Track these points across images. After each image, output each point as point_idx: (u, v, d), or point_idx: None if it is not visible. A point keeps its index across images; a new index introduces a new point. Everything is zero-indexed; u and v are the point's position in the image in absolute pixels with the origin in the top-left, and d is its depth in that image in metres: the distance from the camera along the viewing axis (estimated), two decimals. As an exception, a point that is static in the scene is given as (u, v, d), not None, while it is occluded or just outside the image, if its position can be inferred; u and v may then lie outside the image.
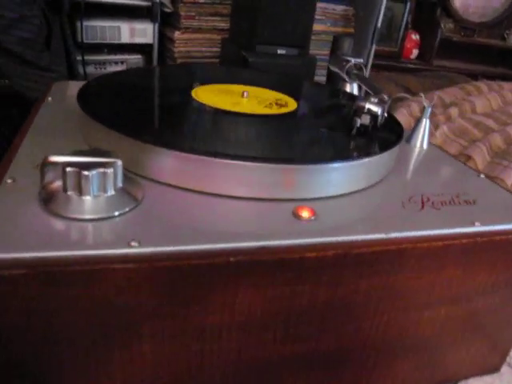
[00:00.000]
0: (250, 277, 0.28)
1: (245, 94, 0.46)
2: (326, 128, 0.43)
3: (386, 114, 0.41)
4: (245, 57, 1.02)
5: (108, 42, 1.15)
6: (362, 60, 0.60)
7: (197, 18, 1.18)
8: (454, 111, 1.24)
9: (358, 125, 0.40)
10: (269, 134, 0.41)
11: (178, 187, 0.34)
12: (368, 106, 0.40)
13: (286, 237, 0.29)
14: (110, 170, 0.29)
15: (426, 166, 0.46)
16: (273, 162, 0.32)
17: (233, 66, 1.06)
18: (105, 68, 1.20)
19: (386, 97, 0.43)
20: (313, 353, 0.34)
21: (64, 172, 0.29)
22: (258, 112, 0.43)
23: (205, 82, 0.51)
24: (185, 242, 0.27)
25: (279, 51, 1.04)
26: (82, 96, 0.41)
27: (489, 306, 0.39)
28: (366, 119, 0.40)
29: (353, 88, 0.60)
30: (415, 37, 1.58)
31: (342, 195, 0.36)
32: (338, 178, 0.35)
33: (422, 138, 0.50)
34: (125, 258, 0.26)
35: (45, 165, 0.30)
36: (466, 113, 1.26)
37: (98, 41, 1.14)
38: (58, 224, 0.28)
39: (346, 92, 0.59)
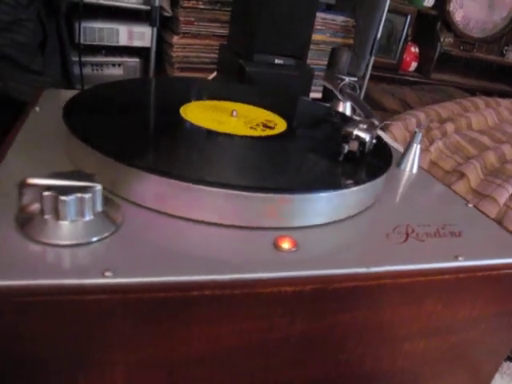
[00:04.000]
0: (224, 309, 0.28)
1: (234, 112, 0.45)
2: (313, 153, 0.42)
3: (374, 141, 0.41)
4: (242, 65, 1.01)
5: (106, 43, 1.15)
6: (356, 79, 0.60)
7: (196, 23, 1.17)
8: (449, 127, 1.25)
9: (346, 151, 0.40)
10: (254, 159, 0.41)
11: (158, 211, 0.33)
12: (356, 132, 0.39)
13: (263, 269, 0.29)
14: (88, 196, 0.29)
15: (414, 193, 0.46)
16: (254, 190, 0.32)
17: (230, 77, 1.05)
18: (102, 70, 1.19)
19: (376, 122, 0.43)
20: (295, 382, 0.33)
21: (41, 196, 0.29)
22: (243, 133, 0.43)
23: (198, 97, 0.50)
24: (160, 273, 0.27)
25: (277, 61, 1.04)
26: (67, 111, 0.41)
27: (470, 339, 0.39)
28: (354, 145, 0.40)
29: (346, 107, 0.60)
30: (414, 49, 1.58)
31: (326, 224, 0.36)
32: (323, 207, 0.35)
33: (411, 163, 0.49)
34: (98, 289, 0.25)
35: (23, 186, 0.29)
36: (462, 129, 1.26)
37: (96, 42, 1.13)
38: (35, 249, 0.28)
39: (338, 112, 0.58)
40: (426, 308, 0.34)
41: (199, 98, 0.50)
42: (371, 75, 1.34)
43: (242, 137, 0.42)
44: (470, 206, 0.45)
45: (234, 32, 1.13)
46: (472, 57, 1.60)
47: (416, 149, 0.49)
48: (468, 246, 0.37)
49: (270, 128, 0.44)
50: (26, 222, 0.29)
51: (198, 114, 0.45)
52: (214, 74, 1.19)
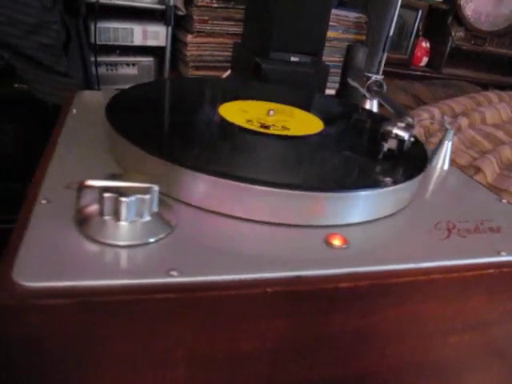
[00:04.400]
0: (283, 306, 0.29)
1: (271, 112, 0.46)
2: (352, 151, 0.43)
3: (412, 139, 0.41)
4: (258, 63, 1.01)
5: (120, 43, 1.15)
6: (382, 76, 0.60)
7: (210, 21, 1.18)
8: (464, 121, 1.25)
9: (385, 149, 0.40)
10: (298, 158, 0.42)
11: (209, 210, 0.34)
12: (395, 130, 0.40)
13: (320, 266, 0.30)
14: (147, 196, 0.30)
15: (448, 189, 0.46)
16: (306, 189, 0.33)
17: (244, 75, 1.06)
18: (116, 69, 1.20)
19: (411, 120, 0.43)
20: (339, 378, 0.34)
21: (101, 197, 0.29)
22: (283, 133, 0.43)
23: (234, 97, 0.51)
24: (223, 271, 0.27)
25: (292, 58, 1.04)
26: (111, 112, 0.41)
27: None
28: (392, 144, 0.40)
29: (373, 105, 0.60)
30: (425, 44, 1.58)
31: (371, 221, 0.36)
32: (370, 204, 0.36)
33: (443, 159, 0.50)
34: (166, 288, 0.26)
35: (81, 188, 0.30)
36: (476, 123, 1.26)
37: (111, 42, 1.13)
38: (96, 250, 0.28)
39: (368, 110, 0.59)
40: (471, 302, 0.35)
41: (235, 98, 0.51)
42: (382, 71, 1.34)
43: (284, 136, 0.43)
44: (504, 201, 0.45)
45: (248, 30, 1.13)
46: (483, 51, 1.60)
47: (448, 145, 0.50)
48: (508, 241, 0.38)
49: (308, 127, 0.45)
50: (85, 224, 0.30)
51: (237, 113, 0.45)
52: (228, 72, 1.20)
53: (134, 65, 1.22)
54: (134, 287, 0.26)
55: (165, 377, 0.29)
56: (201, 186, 0.33)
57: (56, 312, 0.25)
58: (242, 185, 0.32)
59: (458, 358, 0.38)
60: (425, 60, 1.62)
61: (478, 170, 1.05)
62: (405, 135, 0.40)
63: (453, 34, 1.55)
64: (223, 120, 0.44)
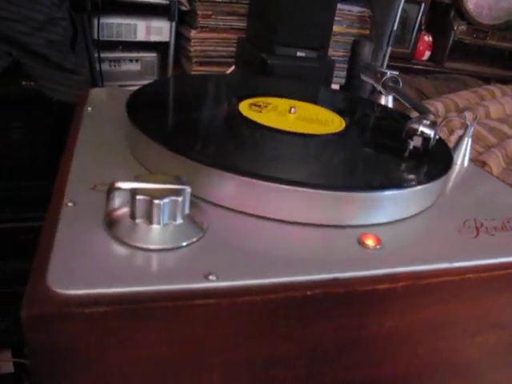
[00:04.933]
0: (321, 308, 0.28)
1: (292, 109, 0.45)
2: (378, 150, 0.43)
3: (437, 136, 0.41)
4: (264, 58, 1.01)
5: (124, 39, 1.14)
6: (397, 72, 0.59)
7: (213, 17, 1.17)
8: (468, 116, 1.24)
9: (411, 147, 0.40)
10: (326, 157, 0.41)
11: (239, 211, 0.33)
12: (421, 128, 0.40)
13: (357, 267, 0.29)
14: (180, 198, 0.29)
15: (470, 187, 0.46)
16: (340, 189, 0.32)
17: (249, 70, 1.05)
18: (119, 65, 1.19)
19: (433, 116, 0.43)
20: (373, 379, 0.34)
21: (133, 199, 0.29)
22: (307, 131, 0.43)
23: (253, 94, 0.50)
24: (261, 275, 0.27)
25: (299, 53, 1.03)
26: (132, 110, 0.40)
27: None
28: (418, 141, 0.40)
29: (388, 101, 0.60)
30: (428, 38, 1.58)
31: (397, 221, 0.36)
32: (399, 203, 0.35)
33: (463, 156, 0.50)
34: (205, 293, 0.26)
35: (111, 190, 0.30)
36: (481, 118, 1.26)
37: (114, 38, 1.12)
38: (129, 254, 0.28)
39: (385, 107, 0.58)
40: (502, 300, 0.35)
41: (254, 95, 0.50)
42: (386, 65, 1.34)
43: (311, 135, 0.43)
44: (527, 198, 0.45)
45: (252, 25, 1.12)
46: (485, 44, 1.60)
47: (467, 142, 0.49)
48: (537, 238, 0.37)
49: (330, 125, 0.44)
50: (114, 227, 0.29)
51: (262, 111, 0.45)
52: (232, 67, 1.19)
53: (137, 61, 1.20)
54: (174, 293, 0.25)
55: (201, 381, 0.29)
56: (232, 187, 0.32)
57: (95, 320, 0.24)
58: (275, 185, 0.31)
59: (486, 356, 0.38)
60: (427, 54, 1.61)
61: (484, 164, 1.05)
62: (430, 133, 0.40)
63: (455, 27, 1.55)
64: (249, 119, 0.44)
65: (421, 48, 1.58)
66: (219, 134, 0.42)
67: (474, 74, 1.57)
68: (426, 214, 0.38)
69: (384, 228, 0.35)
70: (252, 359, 0.29)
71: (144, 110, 0.43)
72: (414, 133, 0.40)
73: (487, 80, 1.55)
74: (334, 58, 1.23)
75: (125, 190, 0.29)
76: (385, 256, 0.31)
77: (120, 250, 0.28)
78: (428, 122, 0.40)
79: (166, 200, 0.28)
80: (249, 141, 0.41)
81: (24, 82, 0.71)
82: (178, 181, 0.30)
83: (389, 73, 0.59)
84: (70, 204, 0.32)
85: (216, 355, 0.28)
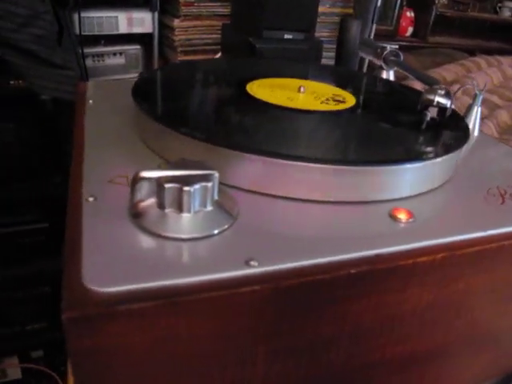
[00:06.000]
0: (363, 286, 0.28)
1: (301, 88, 0.44)
2: (395, 123, 0.42)
3: (453, 106, 0.40)
4: (251, 43, 0.99)
5: (106, 33, 1.11)
6: (397, 46, 0.59)
7: (196, 4, 1.14)
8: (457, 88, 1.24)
9: (428, 118, 0.39)
10: (346, 133, 0.40)
11: (266, 194, 0.32)
12: (437, 98, 0.39)
13: (396, 242, 0.29)
14: (210, 184, 0.28)
15: (485, 156, 0.46)
16: (370, 164, 0.31)
17: (236, 56, 1.03)
18: (103, 60, 1.16)
19: (443, 86, 0.42)
20: (410, 354, 0.34)
21: (162, 188, 0.27)
22: (319, 108, 0.42)
23: (259, 75, 0.49)
24: (303, 256, 0.26)
25: (286, 36, 1.02)
26: (142, 98, 0.39)
27: None
28: (434, 112, 0.39)
29: (389, 75, 0.59)
30: (410, 14, 1.57)
31: (423, 193, 0.35)
32: (428, 175, 0.35)
33: (473, 126, 0.49)
34: (248, 280, 0.25)
35: (136, 181, 0.28)
36: (470, 90, 1.26)
37: (96, 32, 1.09)
38: (161, 246, 0.27)
39: (390, 81, 0.58)
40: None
41: (261, 77, 0.49)
42: (371, 43, 1.33)
43: (322, 112, 0.42)
44: (541, 163, 0.45)
45: (237, 10, 1.10)
46: (466, 16, 1.60)
47: (477, 111, 0.49)
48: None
49: (342, 102, 0.43)
50: (141, 218, 0.28)
51: (266, 92, 0.44)
52: (219, 54, 1.17)
53: (120, 54, 1.18)
54: (218, 282, 0.24)
55: (245, 371, 0.28)
56: (259, 170, 0.31)
57: (139, 316, 0.23)
58: (303, 164, 0.31)
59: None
60: (410, 30, 1.61)
61: (478, 135, 1.05)
62: (447, 103, 0.39)
63: (436, 1, 1.55)
64: (263, 101, 0.42)
65: (403, 24, 1.58)
66: (237, 119, 0.41)
67: (458, 46, 1.57)
68: (448, 186, 0.38)
69: (411, 201, 0.34)
70: (296, 345, 0.28)
71: (152, 97, 0.41)
72: (430, 103, 0.39)
73: (472, 52, 1.55)
74: (319, 38, 1.22)
75: (151, 179, 0.28)
76: (419, 229, 0.31)
77: (150, 241, 0.27)
78: (443, 92, 0.40)
79: (197, 186, 0.27)
80: (269, 123, 0.40)
81: (12, 82, 0.68)
82: (203, 166, 0.29)
83: (388, 47, 0.58)
84: (90, 199, 0.31)
85: (260, 344, 0.27)
